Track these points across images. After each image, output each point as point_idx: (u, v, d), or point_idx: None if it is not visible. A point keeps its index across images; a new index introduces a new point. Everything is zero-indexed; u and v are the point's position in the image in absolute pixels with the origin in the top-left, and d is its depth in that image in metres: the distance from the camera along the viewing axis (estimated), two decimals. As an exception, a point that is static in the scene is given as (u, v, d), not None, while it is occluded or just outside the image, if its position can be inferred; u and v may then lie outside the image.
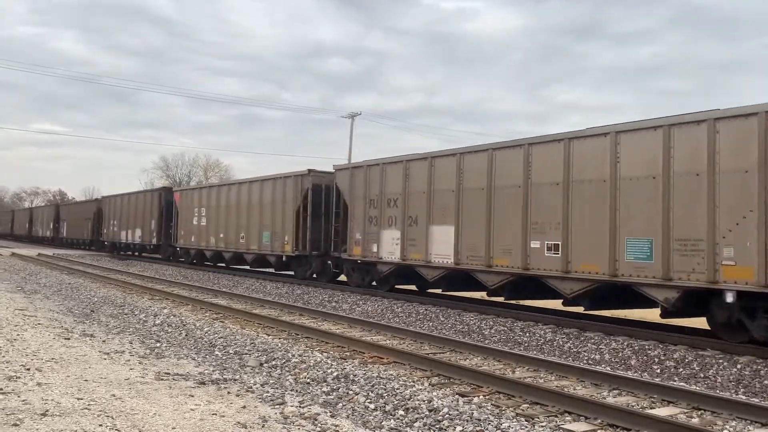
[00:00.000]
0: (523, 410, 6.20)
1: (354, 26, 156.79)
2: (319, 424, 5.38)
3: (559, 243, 11.78)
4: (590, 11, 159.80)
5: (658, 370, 8.66)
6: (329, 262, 19.95)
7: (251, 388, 6.60)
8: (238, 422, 5.32)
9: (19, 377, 6.61)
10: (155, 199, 31.58)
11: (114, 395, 6.04)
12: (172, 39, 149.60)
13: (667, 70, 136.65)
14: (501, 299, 14.07)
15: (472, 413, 5.86)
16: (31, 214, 63.25)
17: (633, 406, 6.44)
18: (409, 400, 6.28)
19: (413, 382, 7.21)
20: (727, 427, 5.90)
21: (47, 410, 5.42)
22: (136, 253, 36.02)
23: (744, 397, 7.14)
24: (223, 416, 5.49)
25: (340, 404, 6.15)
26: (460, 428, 5.48)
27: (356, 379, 7.14)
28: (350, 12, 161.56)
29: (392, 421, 5.63)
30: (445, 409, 5.92)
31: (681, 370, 8.63)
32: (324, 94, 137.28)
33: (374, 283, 17.45)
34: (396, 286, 17.15)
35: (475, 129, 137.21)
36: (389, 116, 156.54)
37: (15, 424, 5.00)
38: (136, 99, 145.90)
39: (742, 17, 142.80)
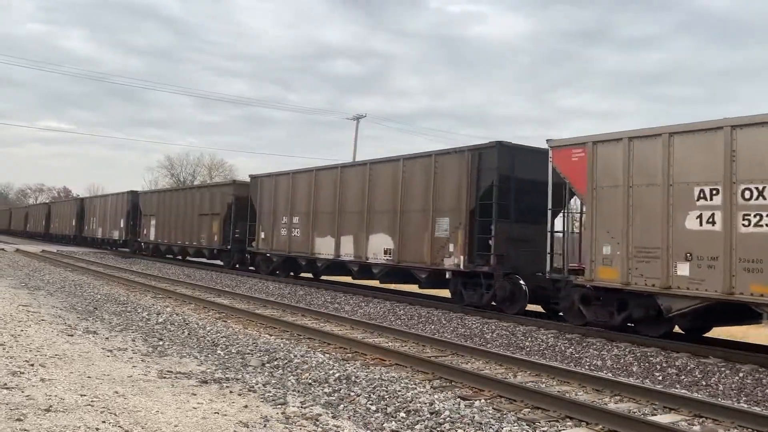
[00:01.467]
0: (524, 414, 6.20)
1: (360, 28, 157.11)
2: (321, 425, 5.39)
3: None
4: (597, 16, 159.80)
5: (660, 377, 8.66)
6: None
7: (253, 387, 6.61)
8: (240, 421, 5.33)
9: (23, 373, 6.64)
10: (462, 166, 14.45)
11: (117, 392, 6.07)
12: (179, 39, 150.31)
13: (673, 76, 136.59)
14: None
15: (474, 417, 5.87)
16: (81, 207, 44.19)
17: (634, 413, 6.43)
18: (410, 402, 6.29)
19: (415, 384, 7.22)
20: (729, 435, 5.91)
21: (51, 406, 5.45)
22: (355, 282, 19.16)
23: (746, 406, 7.14)
24: (225, 415, 5.51)
25: (342, 405, 6.16)
26: (462, 431, 5.49)
27: (358, 380, 7.16)
28: (356, 14, 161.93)
29: (393, 423, 5.64)
30: (447, 412, 5.93)
31: (683, 377, 8.62)
32: (330, 96, 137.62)
33: None
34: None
35: (480, 133, 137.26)
36: (395, 119, 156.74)
37: (19, 419, 5.02)
38: (143, 98, 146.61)
39: (749, 22, 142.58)
